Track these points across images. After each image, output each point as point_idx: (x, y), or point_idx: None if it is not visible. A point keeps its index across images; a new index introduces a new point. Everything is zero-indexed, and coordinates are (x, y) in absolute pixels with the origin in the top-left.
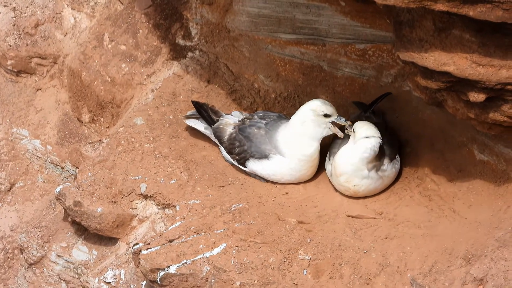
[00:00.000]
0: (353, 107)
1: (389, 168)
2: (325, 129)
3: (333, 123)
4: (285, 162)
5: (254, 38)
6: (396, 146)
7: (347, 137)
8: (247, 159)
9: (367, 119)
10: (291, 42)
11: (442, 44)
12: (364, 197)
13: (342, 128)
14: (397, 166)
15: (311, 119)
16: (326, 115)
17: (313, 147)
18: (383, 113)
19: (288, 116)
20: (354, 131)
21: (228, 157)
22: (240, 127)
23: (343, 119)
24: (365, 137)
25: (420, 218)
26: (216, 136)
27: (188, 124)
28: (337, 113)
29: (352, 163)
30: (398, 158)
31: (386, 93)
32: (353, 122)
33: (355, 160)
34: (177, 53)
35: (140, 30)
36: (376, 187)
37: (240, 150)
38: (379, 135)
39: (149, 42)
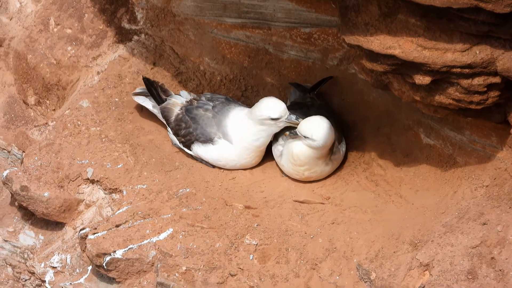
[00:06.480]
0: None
1: (337, 151)
2: (276, 127)
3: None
4: (230, 148)
5: (200, 22)
6: (341, 129)
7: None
8: (193, 142)
9: (311, 100)
10: (236, 26)
11: (388, 28)
12: (311, 182)
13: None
14: (344, 149)
15: (259, 120)
16: (273, 119)
17: (262, 140)
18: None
19: (234, 99)
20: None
21: (175, 139)
22: (187, 108)
23: (294, 116)
24: (312, 136)
25: (367, 203)
26: (164, 116)
27: (137, 101)
28: (288, 112)
29: (312, 157)
30: (344, 140)
31: (329, 76)
32: (295, 104)
33: (314, 156)
34: (123, 36)
35: (86, 15)
36: (327, 171)
37: (186, 132)
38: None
39: (95, 26)
